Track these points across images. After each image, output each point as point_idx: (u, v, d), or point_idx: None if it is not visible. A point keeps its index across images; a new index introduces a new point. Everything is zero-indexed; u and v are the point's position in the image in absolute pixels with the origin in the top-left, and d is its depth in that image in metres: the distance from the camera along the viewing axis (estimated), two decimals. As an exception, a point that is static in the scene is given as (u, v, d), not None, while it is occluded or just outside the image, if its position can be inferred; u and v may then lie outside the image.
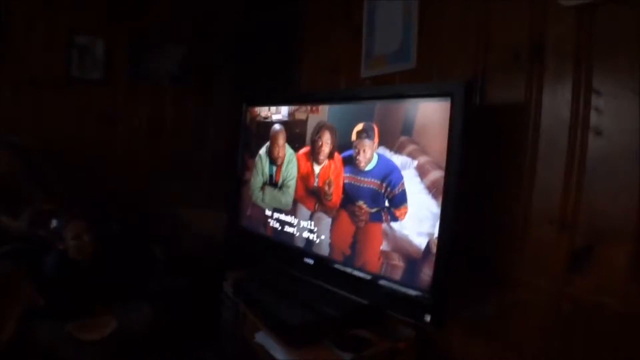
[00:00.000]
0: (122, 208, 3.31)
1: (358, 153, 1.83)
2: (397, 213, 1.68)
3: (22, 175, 2.83)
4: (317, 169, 2.03)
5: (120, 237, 2.92)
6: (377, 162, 1.76)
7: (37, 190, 2.92)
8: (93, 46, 3.48)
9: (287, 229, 2.21)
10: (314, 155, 2.05)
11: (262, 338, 1.95)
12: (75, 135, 3.42)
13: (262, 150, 2.38)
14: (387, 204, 1.73)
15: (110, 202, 3.31)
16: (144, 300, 2.62)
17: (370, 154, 1.79)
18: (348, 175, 1.88)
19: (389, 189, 1.71)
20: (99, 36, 3.46)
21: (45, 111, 3.32)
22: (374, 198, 1.77)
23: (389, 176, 1.71)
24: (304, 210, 2.12)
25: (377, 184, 1.76)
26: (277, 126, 2.28)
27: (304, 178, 2.11)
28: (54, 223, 2.45)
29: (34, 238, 2.60)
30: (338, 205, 1.93)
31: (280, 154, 2.24)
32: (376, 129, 1.77)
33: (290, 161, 2.17)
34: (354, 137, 1.85)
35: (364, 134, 1.81)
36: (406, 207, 1.66)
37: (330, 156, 1.96)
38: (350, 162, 1.88)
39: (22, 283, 2.34)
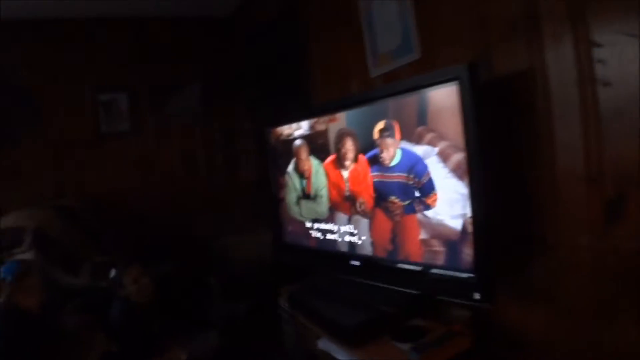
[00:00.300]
0: (171, 246, 3.45)
1: (382, 151, 1.89)
2: (428, 201, 1.73)
3: (75, 234, 3.00)
4: (345, 174, 2.09)
5: (174, 274, 3.05)
6: (401, 156, 1.81)
7: (91, 246, 3.08)
8: (117, 101, 3.65)
9: (329, 236, 2.28)
10: (340, 162, 2.11)
11: (325, 344, 2.01)
12: (115, 186, 3.59)
13: (290, 167, 2.46)
14: (417, 194, 1.77)
15: (158, 242, 3.45)
16: (207, 330, 2.72)
17: (393, 151, 1.84)
18: (375, 173, 1.93)
19: (416, 180, 1.76)
20: (120, 91, 3.63)
21: (85, 169, 3.50)
22: (404, 191, 1.82)
23: (414, 167, 1.76)
24: (341, 216, 2.18)
25: (404, 176, 1.81)
26: (297, 142, 2.37)
27: (335, 185, 2.17)
28: (112, 273, 2.60)
29: (97, 290, 2.75)
30: (372, 205, 1.98)
31: (307, 167, 2.32)
32: (397, 126, 1.82)
33: (318, 171, 2.24)
34: (376, 135, 1.90)
35: (386, 132, 1.86)
36: (436, 194, 1.70)
37: (355, 159, 2.02)
38: (375, 161, 1.93)
39: (94, 333, 2.48)
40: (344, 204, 2.15)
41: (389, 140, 1.85)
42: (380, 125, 1.88)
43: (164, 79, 3.80)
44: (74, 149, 3.49)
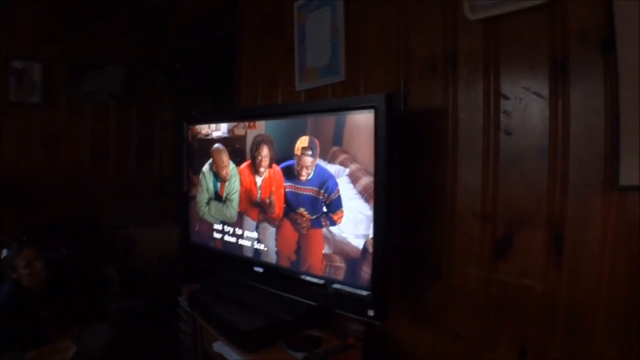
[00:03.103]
0: (72, 232, 3.31)
1: (300, 168, 1.93)
2: (335, 217, 1.81)
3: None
4: (258, 180, 2.12)
5: (71, 261, 2.93)
6: (315, 171, 1.88)
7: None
8: (30, 70, 3.45)
9: (235, 240, 2.30)
10: (254, 168, 2.14)
11: (220, 347, 2.03)
12: (17, 161, 3.39)
13: (206, 168, 2.45)
14: (325, 209, 1.84)
15: (59, 226, 3.30)
16: (101, 322, 2.64)
17: (312, 170, 1.90)
18: (289, 184, 1.98)
19: (326, 195, 1.83)
20: (35, 60, 3.43)
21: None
22: (313, 205, 1.89)
23: (326, 183, 1.83)
24: (249, 222, 2.21)
25: (316, 191, 1.87)
26: (217, 144, 2.36)
27: (247, 190, 2.19)
28: (3, 253, 2.46)
29: (-15, 271, 2.59)
30: (281, 215, 2.03)
31: (224, 171, 2.32)
32: (318, 145, 1.88)
33: (234, 175, 2.26)
34: (297, 152, 1.94)
35: (309, 151, 1.91)
36: (342, 212, 1.78)
37: (270, 167, 2.06)
38: (290, 173, 1.98)
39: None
40: (253, 209, 2.18)
41: (308, 159, 1.91)
42: (304, 142, 1.92)
43: (85, 55, 3.63)
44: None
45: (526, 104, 1.49)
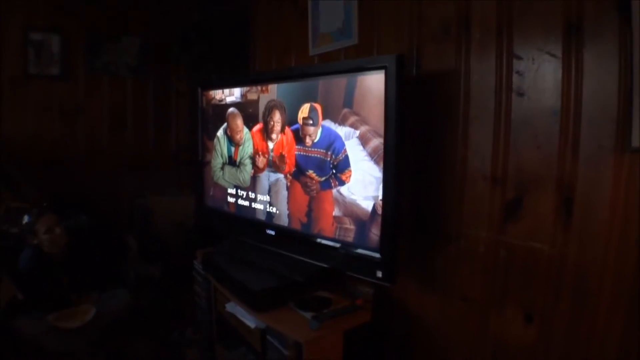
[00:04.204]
0: (91, 200, 3.37)
1: (304, 136, 1.95)
2: (343, 177, 1.82)
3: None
4: (270, 145, 2.14)
5: (91, 228, 2.99)
6: (321, 133, 1.88)
7: (7, 189, 2.97)
8: (49, 42, 3.47)
9: (248, 204, 2.33)
10: (267, 133, 2.15)
11: (232, 307, 2.08)
12: (38, 131, 3.44)
13: (220, 132, 2.46)
14: (333, 170, 1.85)
15: (79, 194, 3.37)
16: (120, 288, 2.70)
17: (315, 136, 1.91)
18: (299, 147, 1.99)
19: (333, 156, 1.84)
20: (54, 32, 3.46)
21: (5, 110, 3.33)
22: (321, 167, 1.90)
23: (333, 144, 1.84)
24: (262, 185, 2.23)
25: (323, 152, 1.88)
26: (232, 109, 2.37)
27: (260, 154, 2.21)
28: (25, 219, 2.52)
29: (7, 235, 2.66)
30: (292, 177, 2.04)
31: (238, 135, 2.34)
32: (320, 111, 1.88)
33: (247, 140, 2.27)
34: (299, 121, 1.96)
35: (309, 120, 1.91)
36: (350, 171, 1.79)
37: (282, 131, 2.07)
38: (298, 136, 1.99)
39: (0, 279, 2.41)
40: (266, 173, 2.20)
41: (310, 128, 1.92)
42: (304, 112, 1.93)
43: (102, 26, 3.65)
44: (-2, 88, 3.31)
45: (539, 64, 1.48)
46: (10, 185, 3.02)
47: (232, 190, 2.43)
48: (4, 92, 3.32)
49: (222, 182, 2.50)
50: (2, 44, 3.30)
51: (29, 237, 2.49)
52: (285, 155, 2.05)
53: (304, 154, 1.96)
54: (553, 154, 1.45)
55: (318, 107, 1.88)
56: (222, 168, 2.47)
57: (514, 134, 1.56)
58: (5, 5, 3.27)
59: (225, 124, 2.42)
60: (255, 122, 2.22)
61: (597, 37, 1.33)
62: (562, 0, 1.40)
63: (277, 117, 2.08)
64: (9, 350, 2.26)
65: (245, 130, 2.29)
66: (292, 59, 2.63)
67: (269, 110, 2.12)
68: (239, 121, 2.32)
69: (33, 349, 2.25)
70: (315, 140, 1.91)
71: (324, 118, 1.87)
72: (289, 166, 2.04)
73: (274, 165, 2.13)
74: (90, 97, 3.66)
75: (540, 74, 1.47)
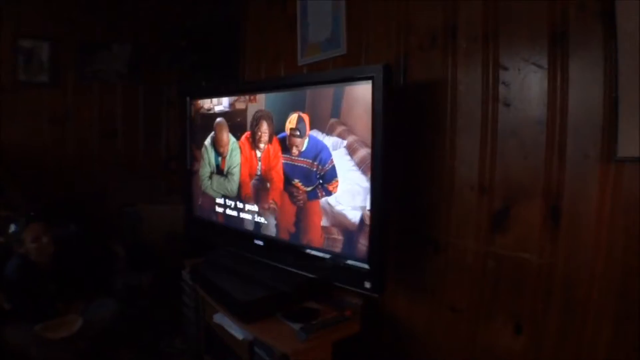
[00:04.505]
0: (80, 208, 3.34)
1: (291, 146, 1.94)
2: (330, 187, 1.81)
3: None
4: (258, 154, 2.13)
5: (79, 237, 2.97)
6: (308, 142, 1.88)
7: (-9, 198, 2.94)
8: (39, 49, 3.46)
9: (236, 214, 2.31)
10: (254, 142, 2.14)
11: (220, 318, 2.06)
12: (26, 139, 3.42)
13: (207, 141, 2.46)
14: (319, 180, 1.85)
15: (67, 203, 3.34)
16: (108, 297, 2.67)
17: (301, 146, 1.90)
18: (285, 155, 1.99)
19: (320, 167, 1.83)
20: (43, 39, 3.44)
21: (-7, 117, 3.30)
22: (308, 176, 1.89)
23: (319, 155, 1.83)
24: (250, 195, 2.22)
25: (309, 162, 1.88)
26: (219, 118, 2.36)
27: (248, 164, 2.20)
28: (12, 228, 2.49)
29: (-7, 245, 2.63)
30: (281, 188, 2.03)
31: (224, 144, 2.33)
32: (307, 121, 1.87)
33: (234, 150, 2.26)
34: (287, 131, 1.95)
35: (297, 131, 1.91)
36: (337, 181, 1.79)
37: (270, 141, 2.06)
38: (284, 145, 1.98)
39: (-16, 288, 2.38)
40: (255, 183, 2.19)
41: (297, 140, 1.91)
42: (292, 123, 1.93)
43: (93, 33, 3.63)
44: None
45: (525, 74, 1.48)
46: (-3, 193, 2.99)
47: (220, 200, 2.42)
48: (-4, 100, 3.30)
49: (210, 191, 2.48)
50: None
51: (15, 246, 2.46)
52: (273, 173, 2.05)
53: (291, 162, 1.96)
54: (540, 164, 1.45)
55: (306, 117, 1.87)
56: (210, 177, 2.46)
57: (500, 143, 1.57)
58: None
59: (213, 133, 2.41)
60: (243, 131, 2.21)
61: (582, 47, 1.34)
62: (547, 10, 1.41)
63: (264, 127, 2.08)
64: (-5, 358, 2.23)
65: (233, 139, 2.28)
66: (281, 68, 2.63)
67: (257, 121, 2.12)
68: (226, 132, 2.32)
69: (19, 357, 2.22)
70: (302, 150, 1.90)
71: (311, 128, 1.86)
72: (279, 182, 2.04)
73: (265, 180, 2.12)
74: (80, 104, 3.64)
75: (526, 84, 1.48)
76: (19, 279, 2.40)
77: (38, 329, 2.25)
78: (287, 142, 1.95)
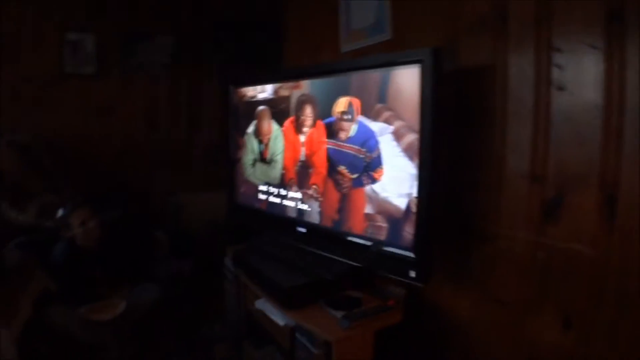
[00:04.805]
0: (125, 196, 3.42)
1: (339, 130, 1.92)
2: (375, 175, 1.79)
3: (26, 170, 2.94)
4: (302, 138, 2.12)
5: (124, 223, 3.03)
6: (357, 129, 1.85)
7: (41, 184, 3.03)
8: (84, 42, 3.54)
9: (279, 201, 2.31)
10: (297, 127, 2.14)
11: (262, 304, 2.06)
12: (74, 129, 3.51)
13: (250, 129, 2.46)
14: (365, 167, 1.82)
15: (113, 190, 3.42)
16: (151, 282, 2.72)
17: (350, 131, 1.87)
18: (331, 140, 1.97)
19: (367, 154, 1.81)
20: (89, 32, 3.53)
21: (43, 108, 3.41)
22: (354, 163, 1.87)
23: (368, 142, 1.80)
24: (293, 181, 2.21)
25: (357, 149, 1.85)
26: (261, 107, 2.36)
27: (291, 149, 2.20)
28: (60, 213, 2.57)
29: (43, 229, 2.72)
30: (325, 174, 2.02)
31: (266, 132, 2.33)
32: (357, 107, 1.84)
33: (277, 137, 2.26)
34: (335, 115, 1.92)
35: (347, 115, 1.88)
36: (382, 169, 1.76)
37: (313, 125, 2.05)
38: (331, 130, 1.96)
39: (34, 271, 2.46)
40: (298, 169, 2.18)
41: (346, 124, 1.88)
42: (341, 106, 1.90)
43: (136, 26, 3.70)
44: (34, 87, 3.38)
45: (580, 56, 1.42)
46: (47, 181, 3.08)
47: (263, 187, 2.42)
48: (44, 91, 3.40)
49: (253, 179, 2.49)
50: (41, 44, 3.38)
51: (63, 230, 2.54)
52: (317, 157, 2.04)
53: (337, 148, 1.93)
54: (595, 151, 1.39)
55: (356, 101, 1.84)
56: (254, 165, 2.47)
57: (554, 130, 1.51)
58: (43, 7, 3.36)
59: (255, 122, 2.42)
60: (287, 117, 2.21)
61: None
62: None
63: (308, 111, 2.06)
64: (41, 339, 2.30)
65: (276, 127, 2.27)
66: (324, 56, 2.61)
67: (300, 105, 2.11)
68: (267, 121, 2.32)
69: (64, 339, 2.29)
70: (350, 135, 1.87)
71: (361, 113, 1.83)
72: (321, 166, 2.02)
73: (307, 161, 2.11)
74: (124, 95, 3.71)
75: (582, 66, 1.42)
76: (66, 262, 2.47)
77: (83, 311, 2.31)
78: (335, 127, 1.93)
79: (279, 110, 2.26)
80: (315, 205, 2.08)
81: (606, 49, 1.35)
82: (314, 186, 2.07)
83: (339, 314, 1.77)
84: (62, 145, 3.41)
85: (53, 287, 2.43)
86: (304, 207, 2.15)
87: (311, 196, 2.10)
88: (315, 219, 2.09)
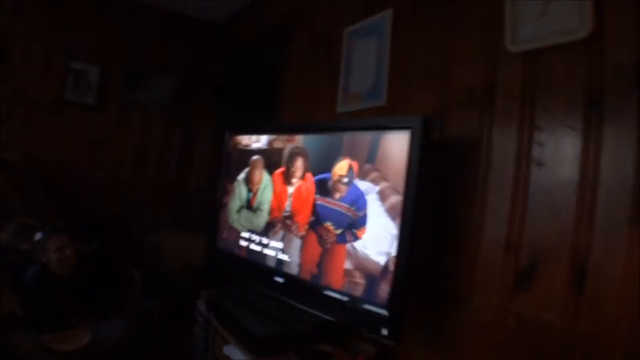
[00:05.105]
0: (104, 228, 3.41)
1: (335, 191, 1.96)
2: (358, 233, 1.83)
3: (9, 190, 2.94)
4: (290, 189, 2.17)
5: (100, 256, 3.01)
6: (349, 189, 1.91)
7: (23, 206, 3.02)
8: (88, 72, 3.62)
9: (260, 249, 2.33)
10: (287, 178, 2.19)
11: (230, 350, 2.04)
12: (64, 156, 3.54)
13: (241, 176, 2.50)
14: (349, 225, 1.87)
15: (93, 221, 3.40)
16: (119, 318, 2.67)
17: (344, 193, 1.93)
18: (319, 196, 2.02)
19: (356, 212, 1.85)
20: (94, 63, 3.61)
21: (37, 131, 3.44)
22: (340, 220, 1.91)
23: (357, 201, 1.85)
24: (275, 231, 2.24)
25: (346, 207, 1.90)
26: (255, 156, 2.42)
27: (278, 199, 2.24)
28: (37, 236, 2.55)
29: (18, 250, 2.69)
30: (307, 227, 2.05)
31: (257, 181, 2.37)
32: (356, 170, 1.89)
33: (267, 187, 2.31)
34: (335, 177, 1.97)
35: (345, 178, 1.93)
36: (365, 228, 1.81)
37: (302, 177, 2.10)
38: (323, 187, 2.01)
39: (3, 292, 2.41)
40: (282, 219, 2.21)
41: (343, 187, 1.93)
42: (342, 170, 1.94)
43: (140, 63, 3.81)
44: (31, 109, 3.42)
45: (559, 136, 1.51)
46: (28, 203, 3.07)
47: (245, 234, 2.44)
48: (41, 114, 3.44)
49: (236, 225, 2.51)
50: (45, 69, 3.45)
51: (38, 254, 2.52)
52: (302, 210, 2.08)
53: (327, 205, 1.98)
54: (569, 224, 1.45)
55: (355, 165, 1.90)
56: (239, 211, 2.49)
57: (531, 202, 1.58)
58: (51, 33, 3.45)
59: (247, 169, 2.46)
60: (278, 167, 2.26)
61: (618, 113, 1.37)
62: (584, 75, 1.45)
63: (299, 163, 2.13)
64: (0, 362, 2.24)
65: (267, 177, 2.32)
66: (320, 114, 2.70)
67: (292, 157, 2.17)
68: (259, 171, 2.37)
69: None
70: (343, 195, 1.93)
71: (357, 177, 1.89)
72: (304, 217, 2.06)
73: (292, 213, 2.15)
74: (119, 130, 3.78)
75: (560, 145, 1.50)
76: (36, 286, 2.45)
77: (46, 339, 2.27)
78: (331, 187, 1.97)
79: (271, 161, 2.31)
80: (296, 257, 2.10)
81: (584, 131, 1.44)
82: (297, 239, 2.11)
83: (308, 366, 1.76)
84: (49, 170, 3.42)
85: (19, 311, 2.39)
86: (284, 257, 2.17)
87: (293, 248, 2.12)
88: (294, 270, 2.11)
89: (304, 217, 2.08)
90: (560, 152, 1.51)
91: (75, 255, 2.57)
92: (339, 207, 1.92)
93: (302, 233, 2.08)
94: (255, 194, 2.38)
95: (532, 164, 1.58)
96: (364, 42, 2.38)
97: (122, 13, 3.72)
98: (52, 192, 3.35)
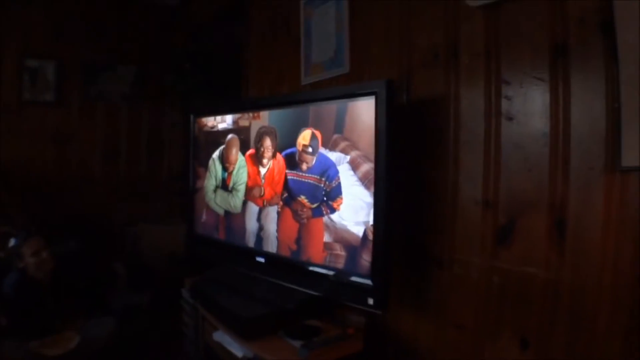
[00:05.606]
0: (81, 226, 3.34)
1: (301, 162, 1.93)
2: (334, 205, 1.81)
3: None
4: (262, 171, 2.13)
5: (79, 254, 2.95)
6: (317, 159, 1.88)
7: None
8: (44, 69, 3.50)
9: (238, 230, 2.30)
10: (258, 159, 2.15)
11: (219, 336, 2.03)
12: (29, 157, 3.44)
13: (216, 154, 2.45)
14: (325, 197, 1.84)
15: (68, 220, 3.34)
16: (106, 316, 2.64)
17: (312, 163, 1.90)
18: (290, 171, 1.98)
19: (327, 183, 1.83)
20: (49, 59, 3.49)
21: (-1, 134, 3.33)
22: (314, 193, 1.88)
23: (327, 171, 1.83)
24: (252, 210, 2.21)
25: (317, 178, 1.87)
26: (231, 135, 2.36)
27: (252, 180, 2.20)
28: (11, 242, 2.49)
29: (-8, 259, 2.62)
30: (282, 203, 2.03)
31: (233, 161, 2.33)
32: (320, 139, 1.87)
33: (242, 167, 2.26)
34: (299, 147, 1.94)
35: (309, 148, 1.91)
36: (342, 199, 1.78)
37: (273, 156, 2.07)
38: (291, 161, 1.98)
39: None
40: (257, 199, 2.18)
41: (309, 157, 1.91)
42: (305, 139, 1.92)
43: (98, 55, 3.69)
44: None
45: (527, 88, 1.48)
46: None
47: (222, 216, 2.40)
48: (0, 116, 3.33)
49: (213, 205, 2.47)
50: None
51: (15, 261, 2.46)
52: (276, 188, 2.05)
53: (297, 178, 1.95)
54: (544, 177, 1.44)
55: (318, 134, 1.87)
56: (215, 191, 2.45)
57: (504, 157, 1.56)
58: (1, 31, 3.31)
59: (222, 147, 2.40)
60: (248, 148, 2.22)
61: (583, 59, 1.34)
62: (547, 24, 1.42)
63: (267, 143, 2.08)
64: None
65: (241, 157, 2.28)
66: (284, 88, 2.65)
67: (260, 137, 2.13)
68: (235, 150, 2.32)
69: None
70: (310, 166, 1.90)
71: (321, 145, 1.86)
72: (278, 193, 2.04)
73: (266, 192, 2.11)
74: (83, 124, 3.68)
75: (529, 97, 1.48)
76: (17, 294, 2.40)
77: (34, 346, 2.23)
78: (297, 158, 1.95)
79: (240, 140, 2.27)
80: (274, 236, 2.08)
81: (551, 81, 1.41)
82: (274, 217, 2.09)
83: (297, 343, 1.75)
84: (16, 174, 3.33)
85: (3, 320, 2.34)
86: (263, 236, 2.14)
87: (271, 226, 2.10)
88: (273, 248, 2.09)
89: (277, 194, 2.05)
90: (529, 105, 1.48)
91: (53, 258, 2.52)
92: (310, 179, 1.90)
93: (278, 209, 2.06)
94: (230, 174, 2.33)
95: (502, 118, 1.56)
96: (321, 10, 2.32)
97: (72, 4, 3.57)
98: (23, 195, 3.27)
